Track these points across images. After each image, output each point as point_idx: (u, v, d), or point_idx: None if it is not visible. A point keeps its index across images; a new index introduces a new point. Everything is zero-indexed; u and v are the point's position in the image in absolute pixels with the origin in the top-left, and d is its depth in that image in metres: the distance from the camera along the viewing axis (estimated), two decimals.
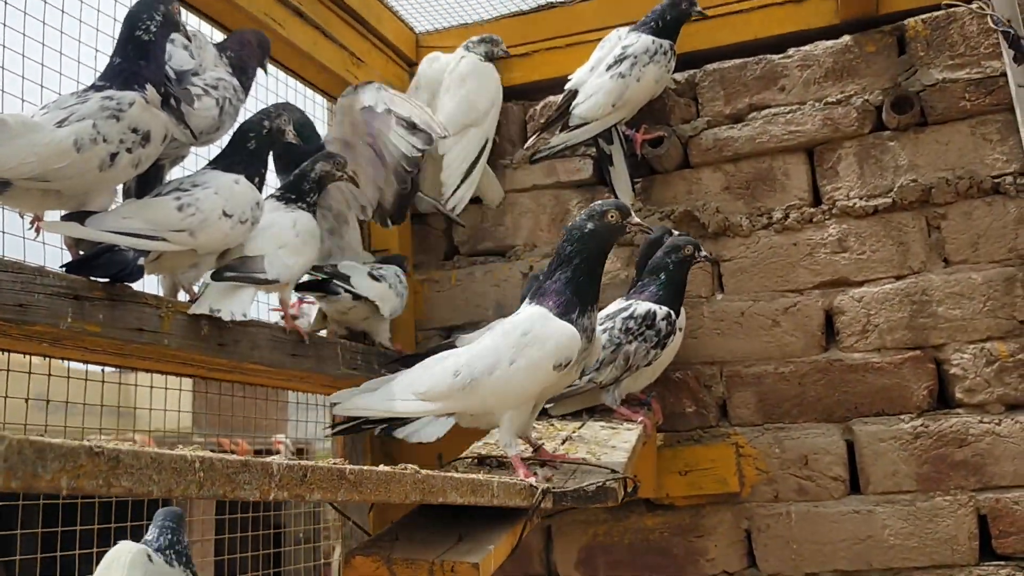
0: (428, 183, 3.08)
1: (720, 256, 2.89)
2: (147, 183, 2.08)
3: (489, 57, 3.11)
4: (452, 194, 2.99)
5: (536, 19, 3.22)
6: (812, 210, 2.81)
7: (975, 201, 2.65)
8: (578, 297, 1.79)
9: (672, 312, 2.40)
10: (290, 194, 2.30)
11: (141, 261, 1.85)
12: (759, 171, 2.89)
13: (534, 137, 3.00)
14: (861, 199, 2.75)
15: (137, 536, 2.25)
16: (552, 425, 2.39)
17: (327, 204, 2.39)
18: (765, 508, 2.72)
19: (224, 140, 2.28)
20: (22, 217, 1.82)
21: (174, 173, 2.29)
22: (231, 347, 2.08)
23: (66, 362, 2.08)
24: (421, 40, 3.39)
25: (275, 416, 4.65)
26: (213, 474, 0.95)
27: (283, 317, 2.30)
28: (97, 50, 2.17)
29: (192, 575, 2.25)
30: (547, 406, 2.35)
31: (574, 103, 2.87)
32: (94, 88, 1.85)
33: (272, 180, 2.52)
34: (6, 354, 1.89)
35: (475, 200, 3.19)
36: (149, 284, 2.10)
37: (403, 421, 1.99)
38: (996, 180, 2.63)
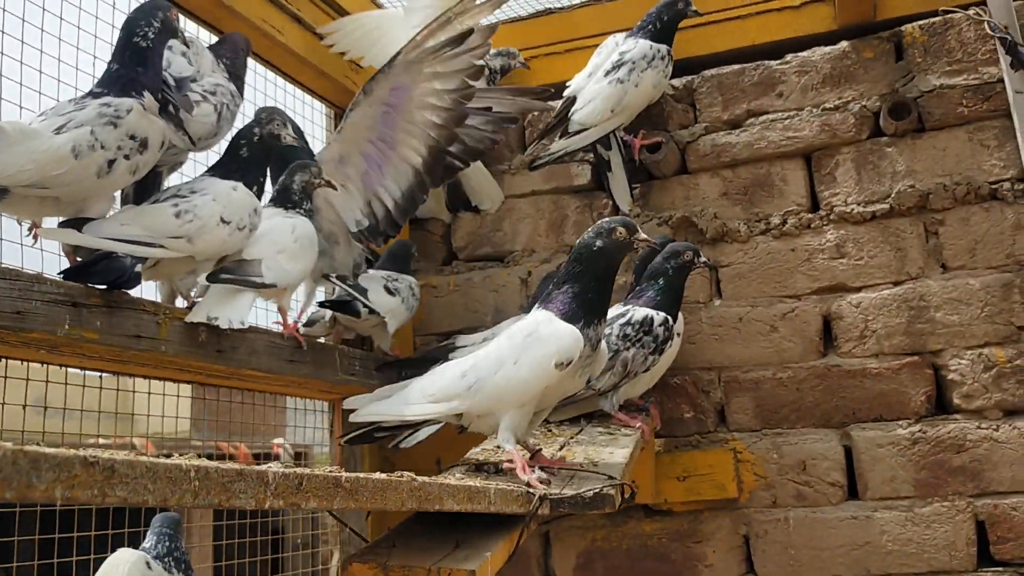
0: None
1: (718, 262, 2.89)
2: (145, 189, 2.08)
3: (505, 70, 3.13)
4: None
5: (534, 25, 3.23)
6: (810, 216, 2.81)
7: (973, 207, 2.65)
8: (584, 310, 1.83)
9: (669, 318, 2.40)
10: (286, 202, 2.30)
11: (138, 268, 1.85)
12: (757, 177, 2.90)
13: (534, 144, 3.00)
14: (859, 205, 2.75)
15: (135, 542, 2.25)
16: (550, 431, 2.39)
17: (317, 225, 2.38)
18: (763, 514, 2.72)
19: (222, 146, 2.29)
20: (20, 224, 1.83)
21: (172, 179, 2.30)
22: (229, 353, 2.09)
23: (64, 368, 2.08)
24: None
25: (274, 420, 4.65)
26: (208, 483, 0.95)
27: (282, 323, 2.30)
28: (96, 57, 2.18)
29: None
30: None
31: (572, 109, 2.88)
32: (92, 95, 1.86)
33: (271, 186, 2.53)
34: (4, 361, 1.89)
35: (474, 207, 3.20)
36: (147, 291, 2.10)
37: (414, 428, 2.06)
38: (994, 186, 2.63)
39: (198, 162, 2.39)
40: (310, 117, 3.10)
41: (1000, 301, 2.58)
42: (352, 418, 2.01)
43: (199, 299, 2.08)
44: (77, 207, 1.82)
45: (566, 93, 2.94)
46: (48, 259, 1.94)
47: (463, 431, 2.01)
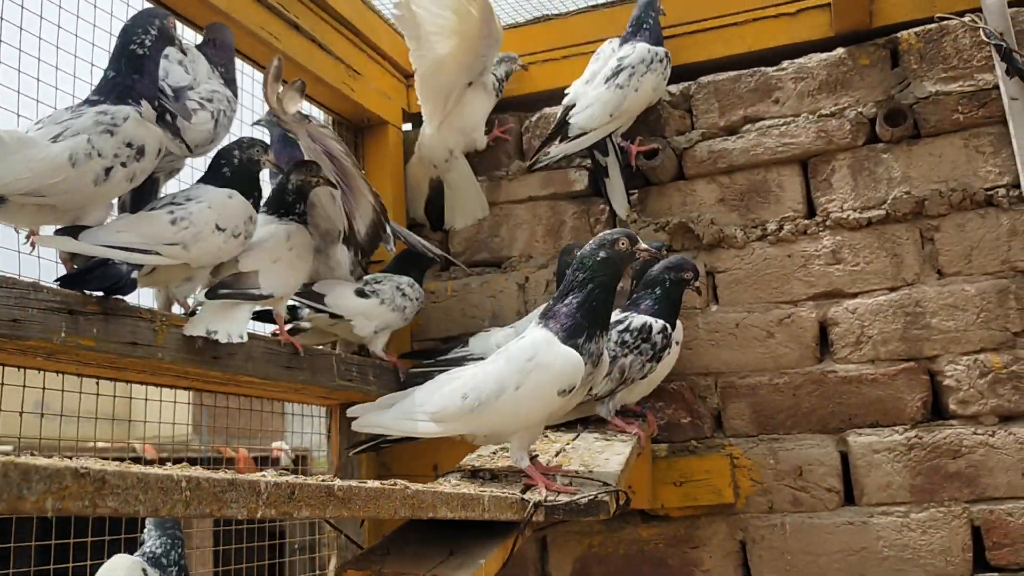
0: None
1: (714, 267, 2.90)
2: (141, 197, 2.09)
3: (508, 75, 3.15)
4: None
5: (532, 31, 3.24)
6: (806, 222, 2.82)
7: (968, 213, 2.66)
8: (587, 321, 1.83)
9: (668, 326, 2.41)
10: (279, 208, 2.31)
11: (135, 275, 1.85)
12: (753, 183, 2.91)
13: (535, 153, 3.00)
14: (855, 211, 2.76)
15: (132, 548, 2.26)
16: (546, 436, 2.40)
17: (314, 223, 2.39)
18: (760, 519, 2.72)
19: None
20: (17, 232, 1.83)
21: (170, 186, 2.31)
22: (225, 360, 2.09)
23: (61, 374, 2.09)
24: None
25: (273, 425, 4.65)
26: (200, 493, 0.95)
27: (279, 330, 2.31)
28: (93, 64, 2.18)
29: None
30: None
31: (571, 113, 2.89)
32: (88, 103, 1.87)
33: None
34: (1, 367, 1.89)
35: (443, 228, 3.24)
36: (144, 297, 2.11)
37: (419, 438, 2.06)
38: (989, 192, 2.64)
39: (196, 169, 2.40)
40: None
41: (996, 307, 2.58)
42: (355, 427, 2.02)
43: (197, 306, 2.08)
44: (74, 215, 1.83)
45: (565, 100, 2.95)
46: (45, 266, 1.94)
47: None
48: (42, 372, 1.98)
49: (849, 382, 2.69)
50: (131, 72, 1.92)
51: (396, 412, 1.96)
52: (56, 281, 1.77)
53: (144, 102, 1.91)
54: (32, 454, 1.14)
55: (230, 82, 2.37)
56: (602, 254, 1.86)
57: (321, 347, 2.72)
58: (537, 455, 2.05)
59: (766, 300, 2.82)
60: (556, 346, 1.81)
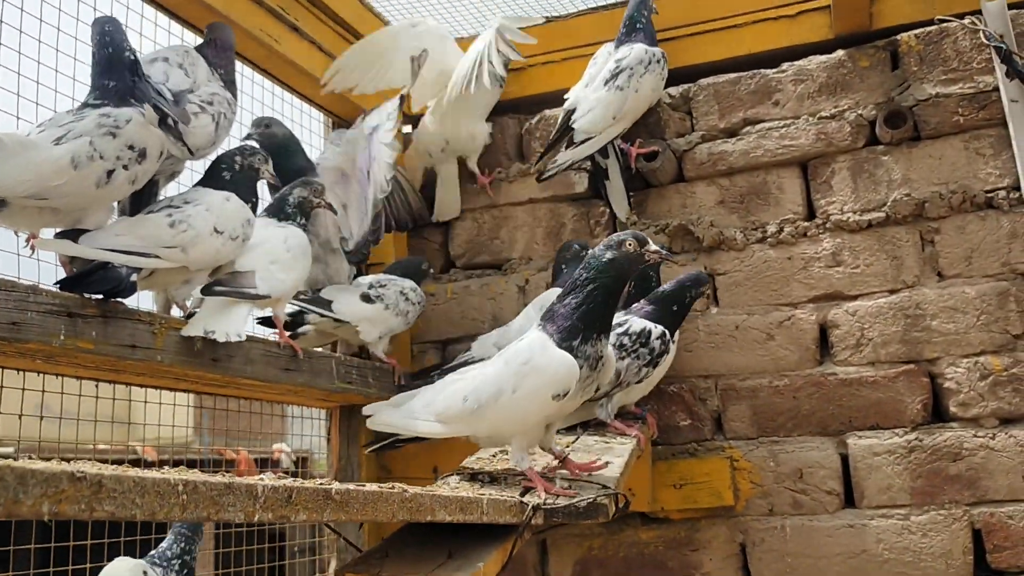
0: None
1: (714, 270, 2.89)
2: (141, 200, 2.09)
3: (504, 64, 3.14)
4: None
5: (532, 33, 3.22)
6: (806, 224, 2.82)
7: (968, 215, 2.65)
8: (583, 323, 1.82)
9: (667, 332, 2.41)
10: (279, 213, 2.31)
11: (134, 278, 1.86)
12: (753, 185, 2.91)
13: (539, 159, 3.00)
14: (855, 213, 2.76)
15: (132, 551, 2.26)
16: None
17: (314, 231, 2.41)
18: (760, 522, 2.72)
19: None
20: (17, 235, 1.84)
21: (170, 188, 2.31)
22: (225, 362, 2.09)
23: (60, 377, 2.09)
24: None
25: (273, 428, 4.65)
26: (196, 497, 0.96)
27: (278, 332, 2.31)
28: (95, 67, 2.18)
29: None
30: None
31: (574, 118, 2.88)
32: (90, 105, 1.86)
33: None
34: (1, 369, 1.90)
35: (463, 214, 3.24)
36: (144, 300, 2.11)
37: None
38: (989, 194, 2.64)
39: (195, 171, 2.40)
40: (308, 126, 3.12)
41: (996, 309, 2.58)
42: (369, 424, 2.06)
43: (196, 309, 2.08)
44: (76, 218, 1.83)
45: (565, 106, 2.94)
46: (44, 269, 1.94)
47: None
48: (42, 375, 1.99)
49: (849, 384, 2.69)
50: (130, 76, 1.92)
51: (406, 411, 2.00)
52: (56, 284, 1.78)
53: (147, 105, 1.91)
54: (30, 457, 1.14)
55: (230, 84, 2.38)
56: (608, 255, 1.85)
57: (320, 349, 2.72)
58: (568, 454, 2.06)
59: (766, 302, 2.82)
60: (550, 350, 1.81)
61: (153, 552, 2.27)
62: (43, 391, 2.01)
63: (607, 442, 2.34)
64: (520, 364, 1.83)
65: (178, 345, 1.96)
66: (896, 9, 2.83)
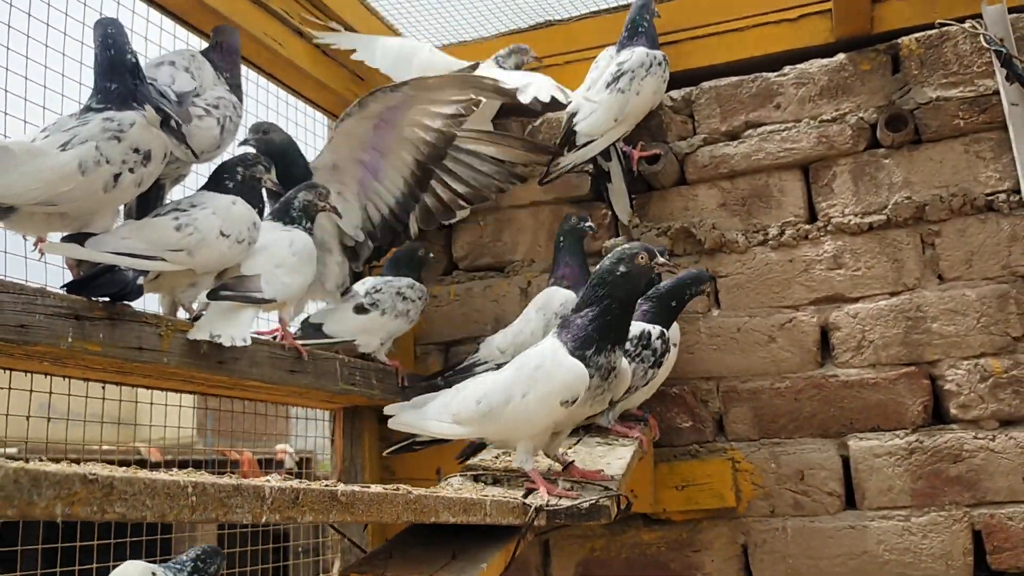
0: None
1: (716, 272, 2.91)
2: (147, 203, 2.11)
3: (518, 67, 3.15)
4: None
5: (534, 37, 3.25)
6: (807, 227, 2.83)
7: (969, 218, 2.67)
8: (599, 334, 1.87)
9: (665, 331, 2.42)
10: (283, 216, 2.33)
11: (140, 280, 1.87)
12: (755, 188, 2.92)
13: (549, 165, 3.00)
14: (856, 216, 2.77)
15: (137, 552, 2.27)
16: None
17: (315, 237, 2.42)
18: (761, 523, 2.73)
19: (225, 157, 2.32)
20: (25, 239, 1.85)
21: (175, 192, 2.32)
22: (230, 364, 2.11)
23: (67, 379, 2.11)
24: None
25: (278, 428, 4.67)
26: (205, 498, 0.97)
27: (283, 334, 2.33)
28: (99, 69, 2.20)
29: None
30: None
31: (575, 121, 2.89)
32: (93, 109, 1.88)
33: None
34: (8, 372, 1.91)
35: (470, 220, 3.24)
36: (150, 302, 2.13)
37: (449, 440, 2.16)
38: (989, 197, 2.65)
39: (200, 175, 2.42)
40: (311, 128, 3.14)
41: (996, 312, 2.59)
42: (391, 424, 2.12)
43: (202, 311, 2.10)
44: (84, 222, 1.84)
45: (568, 109, 2.95)
46: (52, 272, 1.96)
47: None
48: (49, 376, 2.00)
49: (850, 386, 2.70)
50: (131, 79, 1.93)
51: (425, 412, 2.06)
52: (63, 287, 1.79)
53: (148, 107, 1.92)
54: (40, 459, 1.16)
55: (236, 88, 2.39)
56: (622, 268, 1.90)
57: (324, 351, 2.74)
58: (573, 460, 2.08)
59: (768, 305, 2.84)
60: (562, 357, 1.85)
61: (171, 560, 2.29)
62: (50, 392, 2.03)
63: (609, 444, 2.35)
64: (532, 369, 1.88)
65: (184, 347, 1.98)
66: (897, 13, 2.85)
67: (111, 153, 1.81)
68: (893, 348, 2.68)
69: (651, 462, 2.78)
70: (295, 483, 1.21)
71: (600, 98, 2.87)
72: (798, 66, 2.92)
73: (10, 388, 1.94)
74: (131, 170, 1.85)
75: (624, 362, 1.96)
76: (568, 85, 3.09)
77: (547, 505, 1.79)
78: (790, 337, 2.79)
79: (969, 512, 2.53)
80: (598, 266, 1.97)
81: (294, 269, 2.23)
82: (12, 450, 2.72)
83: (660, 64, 2.88)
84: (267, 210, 2.39)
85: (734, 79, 2.99)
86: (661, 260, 1.94)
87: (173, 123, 2.00)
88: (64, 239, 1.83)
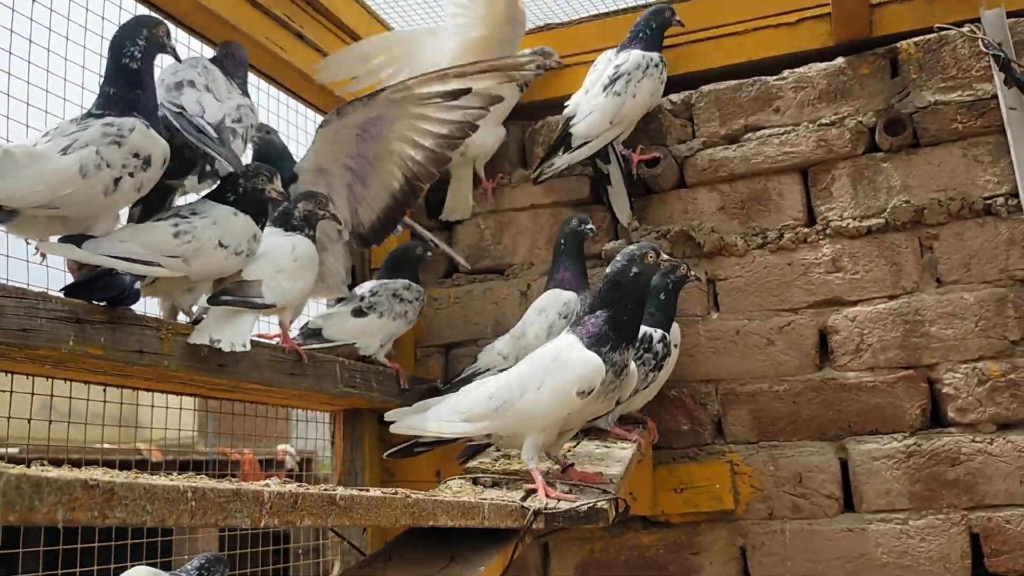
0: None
1: (715, 275, 2.92)
2: (151, 207, 2.12)
3: (540, 69, 3.15)
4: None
5: (534, 40, 3.25)
6: (806, 230, 2.84)
7: (967, 222, 2.67)
8: (614, 332, 1.91)
9: (666, 333, 2.43)
10: (284, 223, 2.33)
11: (138, 285, 1.89)
12: (754, 191, 2.93)
13: (539, 164, 3.00)
14: (855, 219, 2.78)
15: (139, 554, 2.28)
16: None
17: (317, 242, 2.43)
18: (760, 526, 2.74)
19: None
20: (27, 243, 1.87)
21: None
22: (231, 367, 2.12)
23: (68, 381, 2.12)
24: None
25: (278, 430, 4.68)
26: (205, 503, 0.98)
27: (283, 337, 2.34)
28: (101, 76, 2.21)
29: None
30: None
31: (572, 123, 2.91)
32: (94, 115, 1.89)
33: None
34: (10, 375, 1.93)
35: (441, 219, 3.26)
36: (151, 306, 2.14)
37: (451, 442, 2.16)
38: (988, 201, 2.66)
39: None
40: (311, 130, 3.14)
41: (994, 315, 2.60)
42: (393, 429, 2.12)
43: (202, 315, 2.11)
44: (85, 226, 1.85)
45: (565, 112, 2.97)
46: (53, 276, 1.98)
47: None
48: (50, 379, 2.01)
49: (848, 389, 2.71)
50: (131, 87, 1.93)
51: (432, 415, 2.08)
52: (62, 290, 1.81)
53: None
54: (42, 463, 1.17)
55: (245, 92, 2.39)
56: (635, 270, 1.94)
57: (324, 353, 2.75)
58: (573, 463, 2.09)
59: (766, 308, 2.85)
60: (578, 349, 1.89)
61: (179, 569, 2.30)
62: (51, 396, 2.04)
63: (608, 447, 2.37)
64: (549, 361, 1.92)
65: (185, 350, 1.99)
66: (896, 17, 2.85)
67: (111, 157, 1.82)
68: (891, 351, 2.68)
69: (650, 465, 2.79)
70: (294, 487, 1.22)
71: (597, 101, 2.89)
72: (797, 70, 2.93)
73: (12, 391, 1.95)
74: (131, 174, 1.87)
75: (633, 363, 1.99)
76: (567, 88, 3.11)
77: (545, 508, 1.80)
78: (789, 340, 2.80)
79: (967, 515, 2.54)
80: (608, 268, 1.98)
81: (295, 275, 2.24)
82: (13, 450, 2.73)
83: (656, 66, 2.89)
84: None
85: (733, 83, 3.00)
86: (664, 256, 2.00)
87: (209, 165, 2.03)
88: (61, 239, 1.84)
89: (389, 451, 2.30)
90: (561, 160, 2.90)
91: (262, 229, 2.18)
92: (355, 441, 2.99)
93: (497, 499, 1.76)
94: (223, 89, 2.28)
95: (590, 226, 2.75)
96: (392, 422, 2.14)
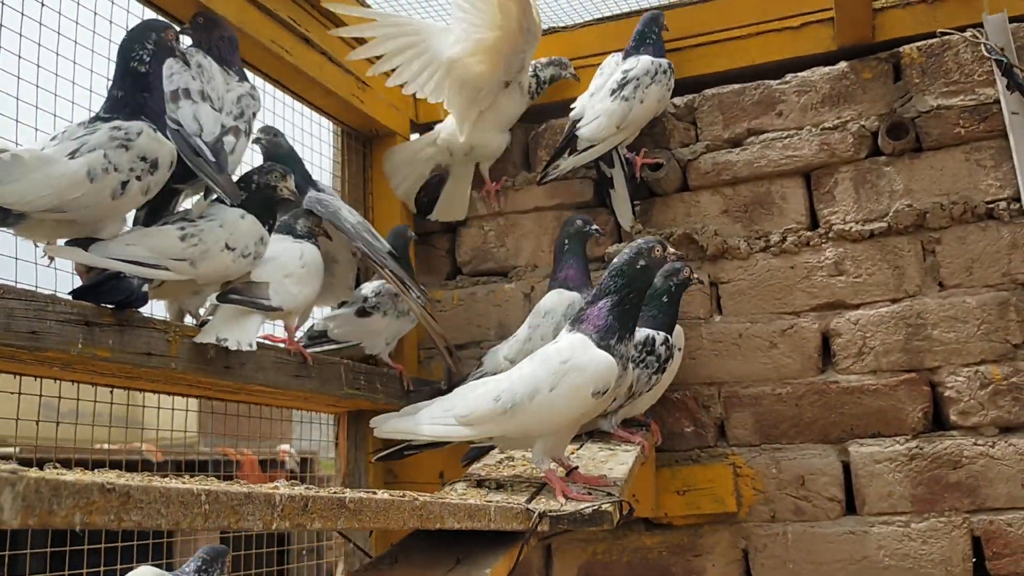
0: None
1: (718, 278, 2.93)
2: (157, 210, 2.12)
3: (555, 79, 3.17)
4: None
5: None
6: (809, 234, 2.85)
7: (969, 226, 2.68)
8: (619, 323, 1.90)
9: (669, 336, 2.44)
10: (291, 231, 2.35)
11: (145, 288, 1.90)
12: (757, 195, 2.94)
13: (546, 166, 3.01)
14: (857, 223, 2.79)
15: (144, 555, 2.29)
16: None
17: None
18: (762, 528, 2.75)
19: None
20: (36, 245, 1.88)
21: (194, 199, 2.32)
22: (236, 369, 2.13)
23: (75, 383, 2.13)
24: None
25: (280, 431, 4.68)
26: (218, 506, 0.99)
27: (288, 340, 2.35)
28: (109, 79, 2.22)
29: None
30: None
31: (579, 126, 2.92)
32: (101, 119, 1.90)
33: None
34: (18, 377, 1.94)
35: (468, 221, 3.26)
36: (157, 308, 2.15)
37: (443, 444, 2.14)
38: (990, 205, 2.67)
39: None
40: (317, 134, 3.16)
41: (996, 319, 2.61)
42: (378, 434, 2.08)
43: (209, 317, 2.12)
44: (92, 228, 1.86)
45: (572, 114, 2.98)
46: (62, 278, 1.98)
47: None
48: (58, 381, 2.02)
49: (851, 392, 2.72)
50: (138, 91, 1.94)
51: (423, 418, 2.02)
52: (69, 293, 1.82)
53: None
54: (55, 466, 1.18)
55: (242, 76, 2.35)
56: (642, 262, 1.94)
57: (329, 355, 2.76)
58: (577, 466, 2.08)
59: (769, 311, 2.86)
60: (591, 349, 1.87)
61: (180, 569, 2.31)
62: (59, 397, 2.05)
63: (611, 449, 2.37)
64: (560, 363, 1.88)
65: (191, 352, 2.00)
66: (898, 21, 2.87)
67: (119, 161, 1.83)
68: (894, 355, 2.69)
69: (653, 467, 2.80)
70: (303, 489, 1.23)
71: (604, 105, 2.90)
72: (800, 74, 2.95)
73: (20, 393, 1.96)
74: (138, 178, 1.87)
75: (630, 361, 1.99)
76: (571, 92, 3.12)
77: (550, 511, 1.80)
78: (791, 343, 2.81)
79: (969, 518, 2.55)
80: (615, 260, 1.98)
81: (302, 280, 2.25)
82: (9, 450, 2.74)
83: (665, 72, 2.90)
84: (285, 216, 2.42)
85: (736, 86, 3.01)
86: (671, 250, 2.01)
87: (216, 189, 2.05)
88: (68, 243, 1.85)
89: (379, 454, 2.26)
90: (567, 163, 2.92)
91: (270, 232, 2.19)
92: (359, 443, 2.99)
93: (502, 501, 1.77)
94: (220, 85, 2.25)
95: (595, 227, 2.76)
96: (376, 427, 2.10)
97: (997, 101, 2.68)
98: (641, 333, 2.41)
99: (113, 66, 2.02)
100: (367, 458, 3.01)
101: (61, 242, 1.87)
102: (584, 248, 2.78)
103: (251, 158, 2.52)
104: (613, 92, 2.89)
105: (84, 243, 1.84)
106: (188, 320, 2.15)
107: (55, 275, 1.98)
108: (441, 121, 3.17)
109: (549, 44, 3.26)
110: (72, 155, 1.79)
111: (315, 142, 3.12)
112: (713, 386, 2.88)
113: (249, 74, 2.52)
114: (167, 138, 1.96)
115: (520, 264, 3.20)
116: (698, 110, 3.06)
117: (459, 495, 1.92)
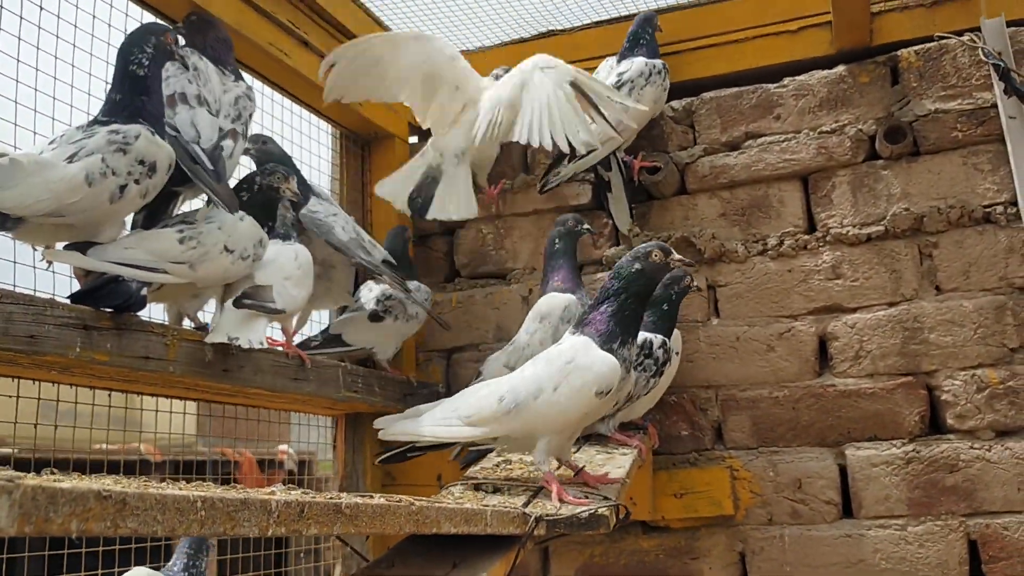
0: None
1: (716, 281, 2.93)
2: (156, 214, 2.13)
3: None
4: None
5: (535, 47, 3.25)
6: (806, 237, 2.86)
7: (967, 230, 2.69)
8: (620, 328, 1.91)
9: (666, 340, 2.45)
10: (282, 233, 2.35)
11: (144, 291, 1.90)
12: (755, 198, 2.95)
13: (546, 174, 3.00)
14: (854, 227, 2.80)
15: (142, 558, 2.30)
16: None
17: (313, 255, 2.45)
18: (759, 531, 2.76)
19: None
20: (34, 249, 1.88)
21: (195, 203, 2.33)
22: (235, 372, 2.14)
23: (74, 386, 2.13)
24: None
25: (279, 433, 4.68)
26: (214, 513, 0.99)
27: (286, 343, 2.35)
28: (107, 83, 2.22)
29: None
30: None
31: None
32: (99, 122, 1.90)
33: None
34: (17, 380, 1.94)
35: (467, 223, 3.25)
36: (155, 311, 2.15)
37: (446, 445, 2.16)
38: (987, 209, 2.67)
39: None
40: (317, 138, 3.16)
41: (993, 323, 2.61)
42: (382, 436, 2.08)
43: (207, 322, 2.13)
44: (90, 232, 1.87)
45: None
46: (60, 282, 1.99)
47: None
48: (56, 384, 2.03)
49: (848, 396, 2.72)
50: (137, 94, 1.94)
51: (427, 420, 2.03)
52: (68, 297, 1.82)
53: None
54: (52, 472, 1.18)
55: (238, 76, 2.35)
56: (637, 266, 1.94)
57: (327, 358, 2.76)
58: (584, 466, 2.08)
59: (766, 314, 2.86)
60: (594, 350, 1.88)
61: (169, 565, 2.32)
62: (57, 401, 2.05)
63: (609, 453, 2.38)
64: (564, 363, 1.89)
65: (190, 356, 2.01)
66: (896, 25, 2.88)
67: (117, 165, 1.83)
68: (891, 358, 2.70)
69: (650, 470, 2.80)
70: (299, 495, 1.23)
71: None
72: (798, 77, 2.95)
73: (18, 396, 1.96)
74: (136, 181, 1.88)
75: (632, 370, 2.00)
76: None
77: (547, 515, 1.81)
78: (789, 346, 2.82)
79: (965, 522, 2.55)
80: (618, 263, 1.99)
81: (299, 282, 2.26)
82: (6, 450, 2.74)
83: (660, 73, 2.91)
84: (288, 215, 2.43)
85: (734, 90, 3.02)
86: (676, 257, 1.98)
87: (216, 197, 2.04)
88: (66, 247, 1.85)
89: (381, 457, 2.27)
90: (567, 169, 2.92)
91: (269, 234, 2.20)
92: (357, 446, 3.00)
93: (499, 505, 1.78)
94: (217, 87, 2.24)
95: (587, 226, 2.73)
96: (380, 429, 2.09)
97: (994, 105, 2.68)
98: (639, 337, 2.41)
99: (112, 69, 2.02)
100: (365, 461, 3.01)
101: (59, 246, 1.87)
102: (575, 248, 2.74)
103: (246, 164, 2.53)
104: None
105: (82, 247, 1.84)
106: (186, 323, 2.16)
107: (53, 279, 1.99)
108: None
109: (549, 47, 3.25)
110: (70, 159, 1.79)
111: (314, 145, 3.13)
112: (710, 389, 2.89)
113: (248, 77, 2.52)
114: (165, 141, 1.96)
115: (518, 267, 3.21)
116: (696, 113, 3.07)
117: (456, 499, 1.92)
